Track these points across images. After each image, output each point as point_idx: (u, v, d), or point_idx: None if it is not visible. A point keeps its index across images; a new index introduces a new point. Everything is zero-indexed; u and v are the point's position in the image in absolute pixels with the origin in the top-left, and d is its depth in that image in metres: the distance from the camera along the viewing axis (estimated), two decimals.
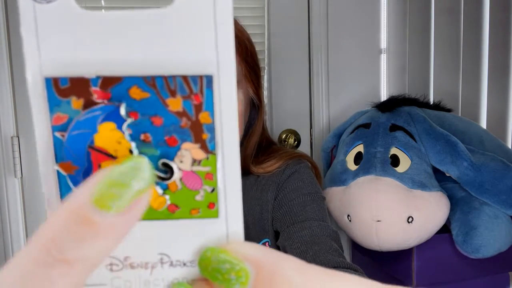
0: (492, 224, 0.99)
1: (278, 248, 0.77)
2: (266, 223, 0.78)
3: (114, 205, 0.14)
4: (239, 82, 0.69)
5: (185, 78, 0.15)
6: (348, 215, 1.06)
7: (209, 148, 0.15)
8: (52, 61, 0.15)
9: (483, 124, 1.51)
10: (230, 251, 0.16)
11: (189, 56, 0.15)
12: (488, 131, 1.17)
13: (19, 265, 0.14)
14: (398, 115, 1.12)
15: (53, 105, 0.15)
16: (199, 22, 0.15)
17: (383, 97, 1.46)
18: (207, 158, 0.16)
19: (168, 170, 0.16)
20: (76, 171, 0.15)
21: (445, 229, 1.07)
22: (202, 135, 0.15)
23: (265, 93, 1.38)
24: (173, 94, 0.15)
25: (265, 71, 1.37)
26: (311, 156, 1.42)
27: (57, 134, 0.15)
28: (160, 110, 0.15)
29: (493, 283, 1.13)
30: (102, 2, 1.28)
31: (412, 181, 1.03)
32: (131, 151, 0.15)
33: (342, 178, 1.11)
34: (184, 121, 0.15)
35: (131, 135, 0.15)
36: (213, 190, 0.16)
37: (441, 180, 1.09)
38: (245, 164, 0.78)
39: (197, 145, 0.15)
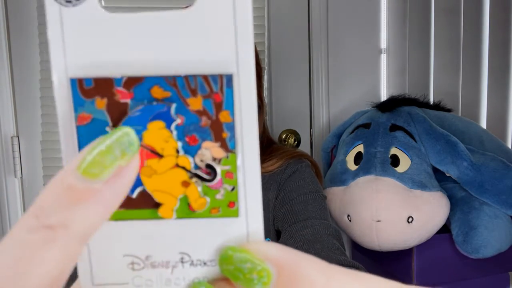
0: (492, 224, 0.99)
1: None
2: (268, 222, 0.78)
3: (98, 172, 0.14)
4: None
5: (205, 77, 0.15)
6: (348, 215, 1.06)
7: (229, 146, 0.16)
8: (77, 62, 0.15)
9: (483, 124, 1.51)
10: (251, 250, 0.15)
11: (209, 56, 0.15)
12: (488, 131, 1.17)
13: (12, 232, 0.14)
14: (398, 115, 1.12)
15: (77, 105, 0.15)
16: (219, 22, 0.15)
17: (383, 97, 1.46)
18: (227, 157, 0.16)
19: (211, 171, 0.16)
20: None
21: (445, 229, 1.07)
22: (222, 133, 0.15)
23: (265, 93, 1.38)
24: (193, 93, 0.15)
25: (265, 71, 1.37)
26: (311, 156, 1.42)
27: (107, 129, 0.15)
28: (181, 109, 0.15)
29: (493, 283, 1.13)
30: (102, 2, 1.28)
31: (412, 181, 1.03)
32: (177, 151, 0.16)
33: (342, 178, 1.11)
34: (204, 120, 0.15)
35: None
36: (233, 189, 0.16)
37: (441, 180, 1.09)
38: None
39: (217, 144, 0.16)
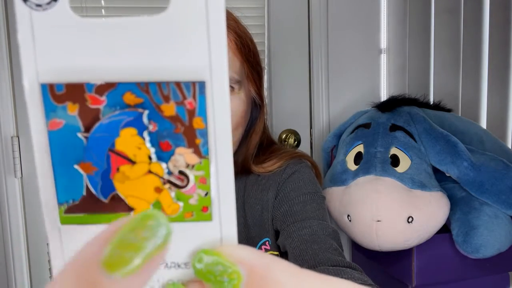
0: (492, 224, 0.99)
1: (278, 247, 0.77)
2: (267, 222, 0.78)
3: (125, 268, 0.13)
4: (241, 82, 0.69)
5: (178, 84, 0.15)
6: (348, 215, 1.06)
7: (202, 153, 0.16)
8: (48, 67, 0.15)
9: (483, 124, 1.51)
10: (223, 253, 0.16)
11: (182, 62, 0.15)
12: (488, 131, 1.17)
13: None
14: (398, 115, 1.12)
15: (49, 110, 0.15)
16: (192, 29, 0.15)
17: (383, 97, 1.46)
18: (201, 163, 0.16)
19: (184, 178, 0.16)
20: (95, 172, 0.15)
21: (445, 229, 1.07)
22: (195, 140, 0.16)
23: (265, 93, 1.38)
24: (166, 100, 0.15)
25: (265, 71, 1.37)
26: (311, 156, 1.42)
27: (79, 135, 0.15)
28: (154, 116, 0.15)
29: (493, 283, 1.13)
30: (102, 2, 1.28)
31: (412, 181, 1.03)
32: (150, 157, 0.16)
33: (342, 178, 1.11)
34: (177, 126, 0.15)
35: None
36: (206, 194, 0.16)
37: (441, 180, 1.09)
38: (246, 163, 0.78)
39: (190, 150, 0.16)
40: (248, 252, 0.16)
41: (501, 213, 1.01)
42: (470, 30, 1.47)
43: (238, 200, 0.78)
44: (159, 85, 0.15)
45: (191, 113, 0.15)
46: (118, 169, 0.16)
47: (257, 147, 0.79)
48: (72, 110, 0.15)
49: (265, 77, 1.37)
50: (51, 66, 0.15)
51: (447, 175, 1.06)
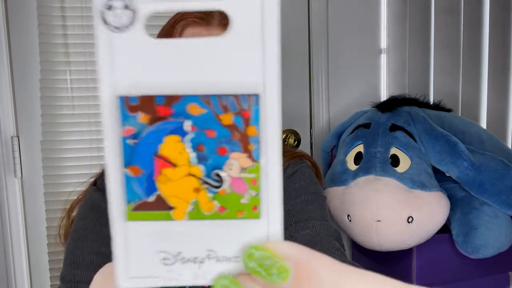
0: (492, 224, 0.99)
1: None
2: None
3: None
4: None
5: (236, 96, 0.18)
6: (348, 215, 1.06)
7: (254, 157, 0.18)
8: (124, 82, 0.18)
9: (483, 124, 1.51)
10: (271, 249, 0.17)
11: (240, 78, 0.18)
12: (488, 131, 1.17)
13: None
14: (398, 115, 1.12)
15: (124, 119, 0.18)
16: (250, 50, 0.18)
17: (383, 97, 1.46)
18: (253, 166, 0.18)
19: (219, 179, 0.18)
20: (142, 175, 0.18)
21: (445, 229, 1.07)
22: (248, 146, 0.18)
23: None
24: (225, 110, 0.18)
25: None
26: (311, 156, 1.42)
27: (129, 142, 0.18)
28: (214, 124, 0.18)
29: (493, 283, 1.13)
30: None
31: (412, 181, 1.03)
32: (190, 161, 0.18)
33: (342, 178, 1.11)
34: (234, 134, 0.18)
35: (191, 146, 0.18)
36: (256, 194, 0.18)
37: (441, 180, 1.09)
38: None
39: (244, 155, 0.18)
40: (293, 248, 0.18)
41: (501, 213, 1.01)
42: (470, 30, 1.47)
43: None
44: (219, 97, 0.18)
45: (246, 122, 0.18)
46: (161, 172, 0.18)
47: None
48: (143, 119, 0.18)
49: None
50: (126, 81, 0.18)
51: (447, 175, 1.06)
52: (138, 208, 0.18)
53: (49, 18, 1.24)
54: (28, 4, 1.23)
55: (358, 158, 1.11)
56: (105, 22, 0.17)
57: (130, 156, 0.18)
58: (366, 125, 1.14)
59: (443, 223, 1.05)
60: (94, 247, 0.68)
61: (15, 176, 1.26)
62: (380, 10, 1.44)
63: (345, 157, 1.14)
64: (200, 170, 0.18)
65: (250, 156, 0.18)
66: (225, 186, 0.18)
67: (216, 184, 0.18)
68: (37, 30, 1.23)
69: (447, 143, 1.04)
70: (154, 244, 0.18)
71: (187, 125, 0.18)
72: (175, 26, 0.68)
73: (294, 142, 1.41)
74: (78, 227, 0.72)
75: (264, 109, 0.18)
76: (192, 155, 0.18)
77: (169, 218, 0.18)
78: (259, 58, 0.17)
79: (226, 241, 0.18)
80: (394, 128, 1.09)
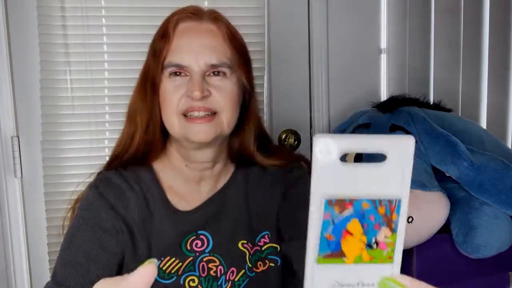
0: (492, 224, 1.00)
1: (277, 240, 0.80)
2: (270, 217, 0.80)
3: None
4: (233, 68, 0.73)
5: (389, 200, 0.29)
6: None
7: (393, 230, 0.29)
8: (328, 190, 0.28)
9: (483, 123, 1.51)
10: (396, 278, 0.29)
11: (390, 189, 0.29)
12: (488, 131, 1.17)
13: None
14: (398, 115, 1.12)
15: (326, 209, 0.29)
16: (396, 173, 0.29)
17: (383, 97, 1.46)
18: (391, 235, 0.30)
19: (375, 242, 0.30)
20: (333, 240, 0.29)
21: (445, 229, 1.07)
22: (391, 224, 0.29)
23: (265, 93, 1.38)
24: (381, 205, 0.29)
25: (265, 71, 1.37)
26: (311, 156, 1.42)
27: (326, 217, 0.29)
28: (374, 213, 0.29)
29: (493, 283, 1.13)
30: (102, 2, 1.28)
31: (412, 181, 1.02)
32: (361, 233, 0.29)
33: None
34: (384, 218, 0.29)
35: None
36: (391, 251, 0.30)
37: (441, 180, 1.09)
38: (245, 151, 0.79)
39: (388, 229, 0.29)
40: (406, 278, 0.29)
41: (501, 213, 1.01)
42: (470, 30, 1.47)
43: (240, 191, 0.80)
44: (380, 200, 0.29)
45: (392, 211, 0.29)
46: (345, 238, 0.29)
47: (255, 137, 0.79)
48: (337, 210, 0.29)
49: (265, 77, 1.37)
50: (330, 190, 0.28)
51: (447, 175, 1.06)
52: (325, 257, 0.29)
53: (49, 18, 1.24)
54: (28, 4, 1.23)
55: (358, 158, 1.11)
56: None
57: (326, 229, 0.29)
58: (366, 125, 1.14)
59: (443, 223, 1.05)
60: (86, 248, 0.71)
61: (15, 176, 1.26)
62: (380, 10, 1.44)
63: (345, 157, 1.14)
64: (365, 238, 0.29)
65: (391, 229, 0.29)
66: (375, 246, 0.30)
67: (372, 245, 0.30)
68: (37, 30, 1.23)
69: (447, 143, 1.04)
70: (330, 276, 0.30)
71: (367, 213, 0.30)
72: (170, 19, 0.73)
73: (294, 142, 1.41)
74: (74, 224, 0.74)
75: (403, 207, 0.29)
76: (363, 229, 0.29)
77: (343, 262, 0.29)
78: (400, 179, 0.29)
79: (370, 274, 0.30)
80: (394, 128, 1.09)
